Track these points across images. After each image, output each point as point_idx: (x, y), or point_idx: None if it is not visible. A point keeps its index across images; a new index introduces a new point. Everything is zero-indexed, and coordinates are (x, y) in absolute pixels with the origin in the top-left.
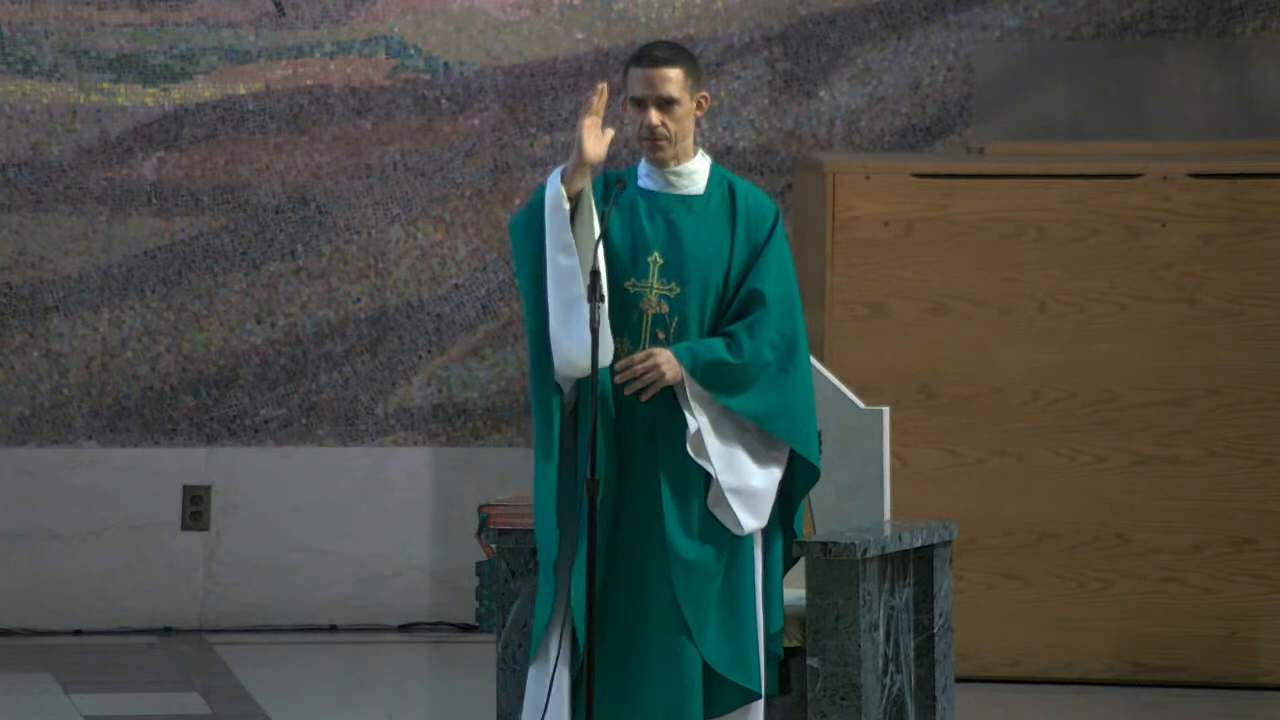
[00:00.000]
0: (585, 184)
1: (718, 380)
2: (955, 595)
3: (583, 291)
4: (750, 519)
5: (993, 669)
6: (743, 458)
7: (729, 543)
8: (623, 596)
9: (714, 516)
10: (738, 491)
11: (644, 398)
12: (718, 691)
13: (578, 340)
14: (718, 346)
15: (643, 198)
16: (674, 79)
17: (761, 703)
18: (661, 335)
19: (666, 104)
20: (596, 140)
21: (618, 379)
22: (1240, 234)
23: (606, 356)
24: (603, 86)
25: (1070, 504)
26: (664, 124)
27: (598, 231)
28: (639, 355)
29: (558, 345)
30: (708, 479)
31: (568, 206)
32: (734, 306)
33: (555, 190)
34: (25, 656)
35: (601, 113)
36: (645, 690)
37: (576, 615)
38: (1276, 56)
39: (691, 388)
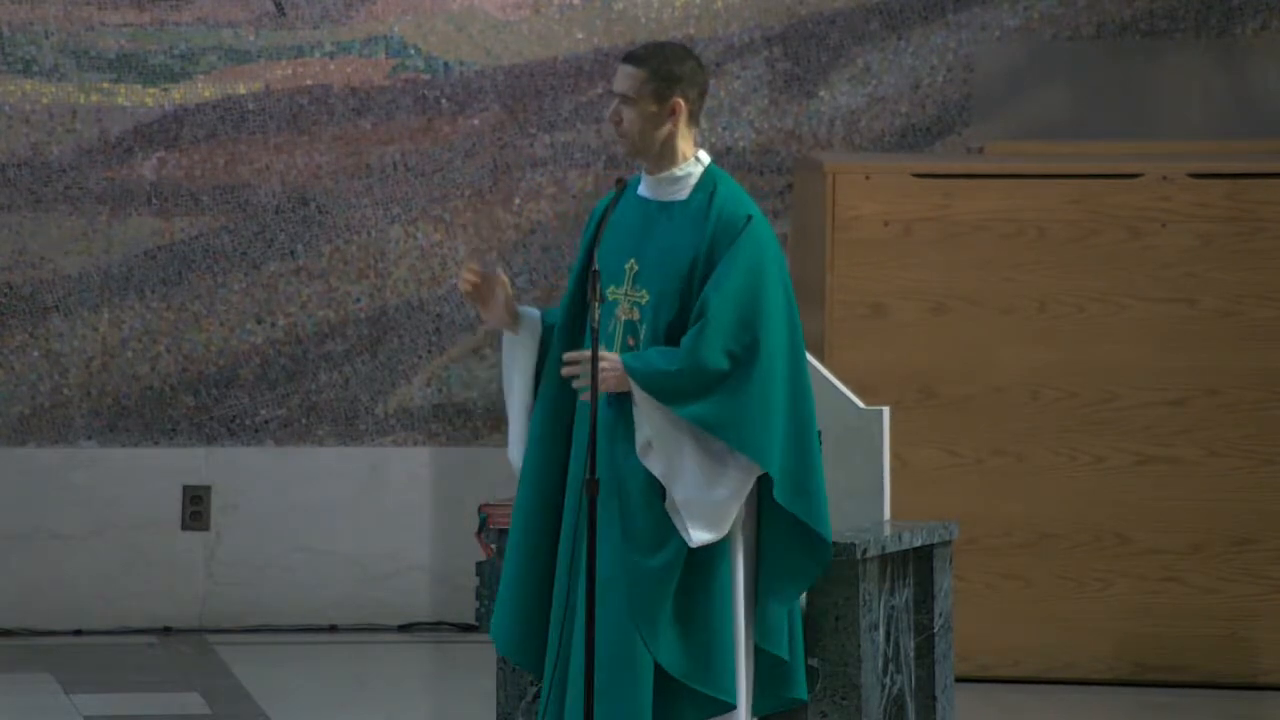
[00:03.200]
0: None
1: (661, 388)
2: (955, 595)
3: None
4: (701, 531)
5: (993, 669)
6: (694, 468)
7: (686, 547)
8: (576, 604)
9: (669, 520)
10: (689, 503)
11: (581, 397)
12: (688, 700)
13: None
14: (659, 356)
15: (636, 204)
16: (631, 77)
17: (740, 712)
18: (632, 342)
19: (622, 100)
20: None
21: (563, 368)
22: (1240, 234)
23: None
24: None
25: (1070, 504)
26: (620, 120)
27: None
28: (583, 353)
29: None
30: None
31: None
32: (694, 313)
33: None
34: (25, 656)
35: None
36: (598, 692)
37: (553, 619)
38: (1276, 56)
39: (637, 395)
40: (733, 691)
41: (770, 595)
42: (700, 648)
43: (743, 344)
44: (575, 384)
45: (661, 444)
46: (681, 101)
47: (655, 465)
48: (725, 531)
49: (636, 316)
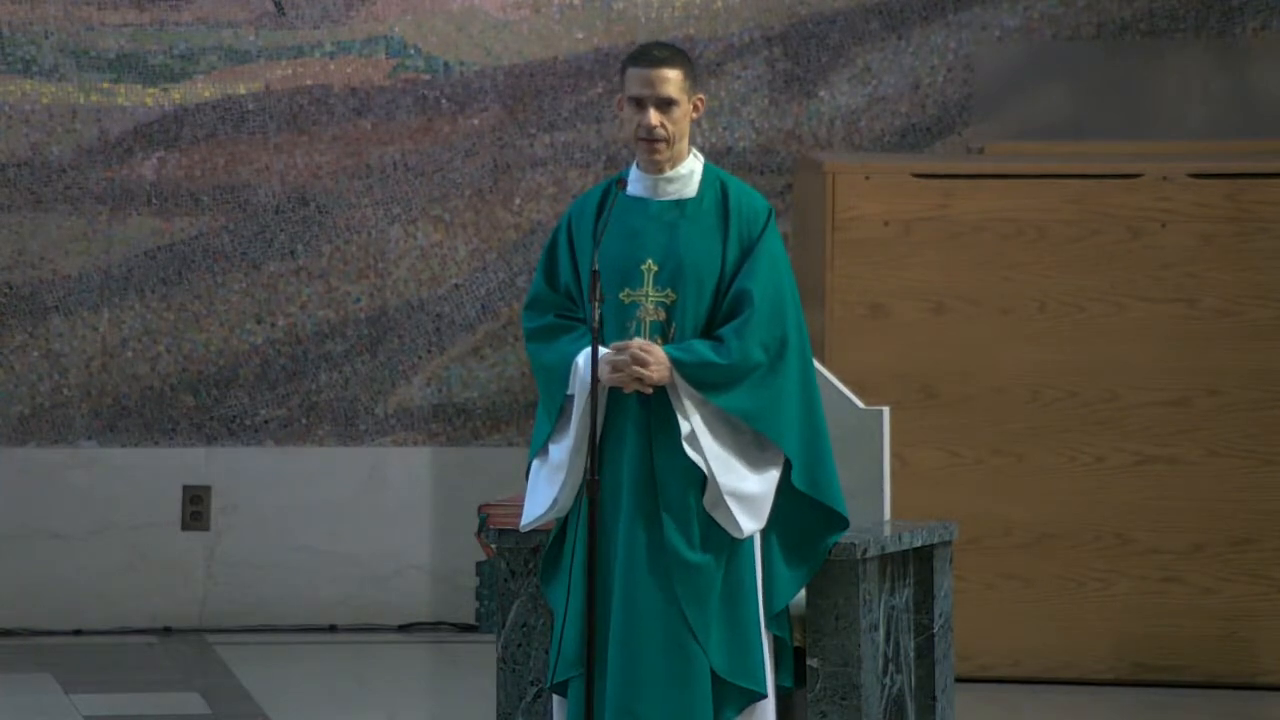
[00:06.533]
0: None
1: (706, 380)
2: (955, 595)
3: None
4: (750, 521)
5: (993, 669)
6: (738, 460)
7: (728, 543)
8: (619, 600)
9: (712, 518)
10: (735, 494)
11: (627, 389)
12: (723, 694)
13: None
14: (705, 348)
15: (635, 205)
16: (673, 80)
17: (769, 702)
18: (660, 342)
19: (665, 105)
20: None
21: (611, 353)
22: (1240, 234)
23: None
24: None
25: (1070, 504)
26: (663, 125)
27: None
28: (638, 341)
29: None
30: (703, 481)
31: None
32: (724, 306)
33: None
34: (25, 656)
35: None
36: (652, 698)
37: (571, 621)
38: (1276, 56)
39: (683, 388)
40: (764, 683)
41: (789, 581)
42: (739, 642)
43: (775, 336)
44: (614, 379)
45: (705, 435)
46: (703, 96)
47: (699, 456)
48: (765, 522)
49: (663, 317)
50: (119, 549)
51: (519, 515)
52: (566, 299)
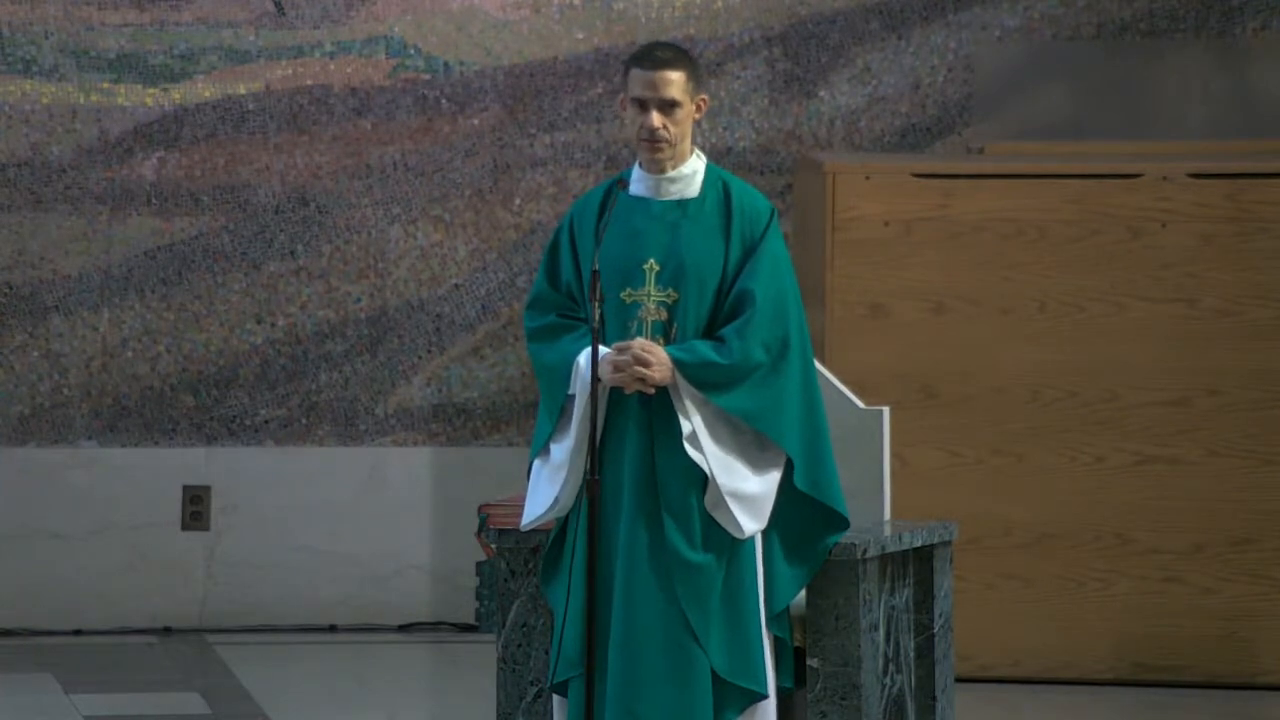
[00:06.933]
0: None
1: (708, 380)
2: (955, 595)
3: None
4: (750, 522)
5: (993, 669)
6: (739, 460)
7: (729, 544)
8: (619, 600)
9: (713, 519)
10: (736, 494)
11: (629, 389)
12: (723, 695)
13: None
14: (707, 348)
15: (637, 205)
16: (676, 81)
17: (769, 703)
18: (661, 342)
19: (669, 106)
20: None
21: (613, 353)
22: (1240, 234)
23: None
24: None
25: (1070, 504)
26: (665, 126)
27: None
28: (639, 341)
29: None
30: (704, 481)
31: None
32: (726, 306)
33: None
34: (25, 656)
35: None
36: (653, 698)
37: (571, 621)
38: (1276, 56)
39: (684, 388)
40: (765, 684)
41: (790, 581)
42: (740, 642)
43: (776, 336)
44: (615, 379)
45: (706, 435)
46: (706, 97)
47: (700, 456)
48: (766, 522)
49: (665, 316)
50: (119, 549)
51: (519, 515)
52: (568, 299)
